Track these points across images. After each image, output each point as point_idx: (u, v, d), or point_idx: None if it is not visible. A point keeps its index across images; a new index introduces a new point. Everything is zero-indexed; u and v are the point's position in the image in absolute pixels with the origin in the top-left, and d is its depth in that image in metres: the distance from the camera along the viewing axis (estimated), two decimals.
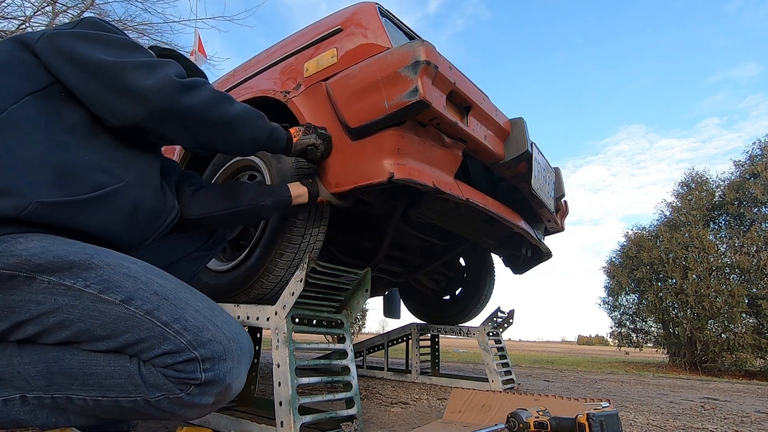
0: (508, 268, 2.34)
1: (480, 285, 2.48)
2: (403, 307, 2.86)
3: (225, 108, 0.88)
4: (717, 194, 8.55)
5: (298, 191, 1.18)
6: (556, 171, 2.00)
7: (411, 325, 2.58)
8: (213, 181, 1.56)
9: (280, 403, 1.01)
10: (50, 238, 0.67)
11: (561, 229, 2.17)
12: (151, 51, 0.90)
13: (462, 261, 2.64)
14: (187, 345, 0.63)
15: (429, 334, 2.52)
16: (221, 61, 12.45)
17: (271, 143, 1.05)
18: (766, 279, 7.19)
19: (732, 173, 8.50)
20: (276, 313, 1.11)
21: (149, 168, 0.87)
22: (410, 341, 2.55)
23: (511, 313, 2.38)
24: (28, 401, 0.65)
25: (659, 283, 8.67)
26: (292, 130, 1.15)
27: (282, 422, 0.98)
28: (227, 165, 1.56)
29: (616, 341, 10.50)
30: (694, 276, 7.88)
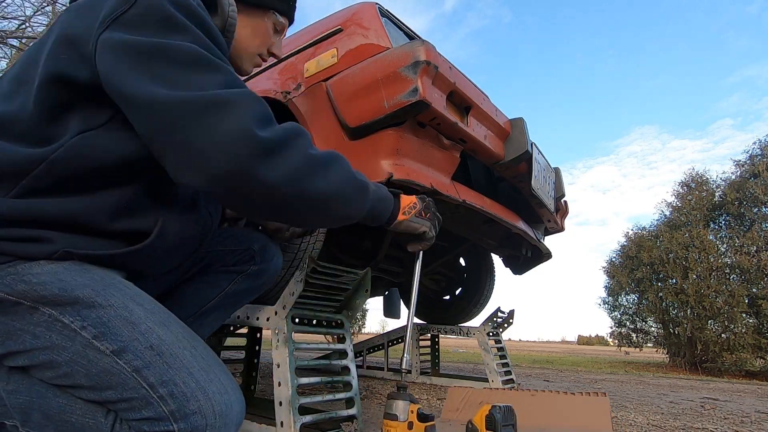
0: (508, 269, 2.35)
1: (480, 285, 2.48)
2: (403, 307, 2.86)
3: (318, 183, 0.66)
4: (717, 194, 8.55)
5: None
6: (556, 171, 2.00)
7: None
8: None
9: (280, 403, 1.01)
10: (67, 264, 0.63)
11: (561, 229, 2.17)
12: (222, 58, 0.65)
13: (462, 261, 2.64)
14: (168, 415, 0.57)
15: (429, 334, 2.52)
16: None
17: (369, 219, 0.82)
18: (766, 279, 7.19)
19: (733, 173, 8.51)
20: (276, 313, 1.11)
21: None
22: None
23: (511, 313, 2.38)
24: (6, 429, 0.61)
25: (659, 283, 8.67)
26: (405, 201, 0.89)
27: (282, 422, 0.99)
28: None
29: (616, 341, 10.51)
30: (695, 276, 7.88)
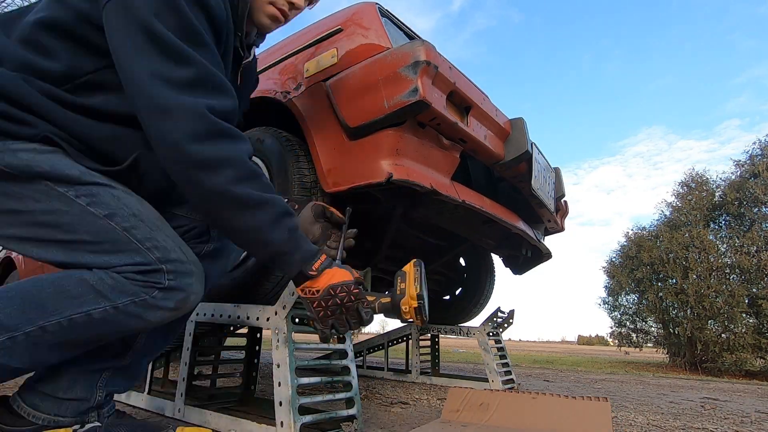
0: (508, 269, 2.35)
1: (480, 285, 2.48)
2: None
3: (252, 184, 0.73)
4: (717, 194, 8.56)
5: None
6: (556, 171, 2.00)
7: (411, 325, 2.58)
8: None
9: (280, 403, 1.01)
10: (60, 154, 0.71)
11: (561, 229, 2.17)
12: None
13: (462, 261, 2.64)
14: (155, 260, 0.72)
15: (429, 334, 2.52)
16: None
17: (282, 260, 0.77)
18: (766, 279, 7.20)
19: (733, 173, 8.51)
20: (276, 313, 1.11)
21: None
22: (410, 341, 2.55)
23: (511, 313, 2.38)
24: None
25: (659, 283, 8.68)
26: (321, 280, 0.78)
27: (282, 422, 0.99)
28: None
29: (616, 341, 10.52)
30: (695, 276, 7.88)
